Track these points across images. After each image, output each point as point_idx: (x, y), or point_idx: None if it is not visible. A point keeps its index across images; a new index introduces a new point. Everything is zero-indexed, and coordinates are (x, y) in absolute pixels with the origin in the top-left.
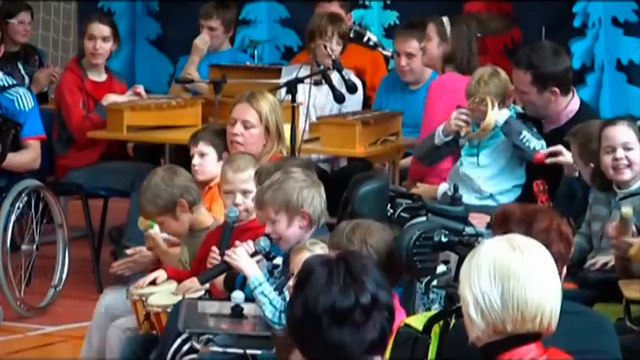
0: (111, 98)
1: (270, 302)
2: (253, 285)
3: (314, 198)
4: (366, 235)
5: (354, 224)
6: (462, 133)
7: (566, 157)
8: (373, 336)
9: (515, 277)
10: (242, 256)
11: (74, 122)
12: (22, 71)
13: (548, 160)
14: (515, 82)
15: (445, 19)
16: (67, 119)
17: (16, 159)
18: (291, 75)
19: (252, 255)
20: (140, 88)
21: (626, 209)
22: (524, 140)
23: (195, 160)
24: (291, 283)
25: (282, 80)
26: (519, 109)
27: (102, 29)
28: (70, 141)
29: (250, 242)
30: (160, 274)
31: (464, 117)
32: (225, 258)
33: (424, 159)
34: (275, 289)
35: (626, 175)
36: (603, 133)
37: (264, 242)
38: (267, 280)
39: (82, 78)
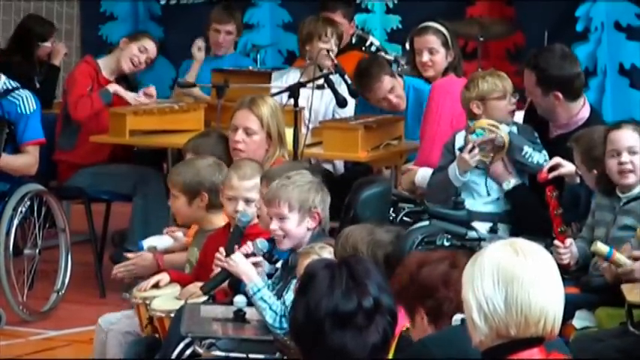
0: (116, 87)
1: (269, 307)
2: (252, 291)
3: (325, 203)
4: (358, 242)
5: (348, 232)
6: (487, 162)
7: (566, 167)
8: (375, 340)
9: (518, 281)
10: (240, 262)
11: (73, 97)
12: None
13: (551, 175)
14: (524, 81)
15: (442, 27)
16: (69, 97)
17: (10, 160)
18: (280, 80)
19: (251, 255)
20: (151, 89)
21: (598, 245)
22: (527, 156)
23: None
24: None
25: (284, 85)
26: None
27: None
28: (75, 135)
29: (249, 243)
30: (163, 277)
31: (476, 151)
32: (224, 264)
33: (441, 197)
34: (274, 294)
35: (631, 179)
36: (608, 137)
37: (261, 244)
38: (268, 285)
39: (97, 70)
